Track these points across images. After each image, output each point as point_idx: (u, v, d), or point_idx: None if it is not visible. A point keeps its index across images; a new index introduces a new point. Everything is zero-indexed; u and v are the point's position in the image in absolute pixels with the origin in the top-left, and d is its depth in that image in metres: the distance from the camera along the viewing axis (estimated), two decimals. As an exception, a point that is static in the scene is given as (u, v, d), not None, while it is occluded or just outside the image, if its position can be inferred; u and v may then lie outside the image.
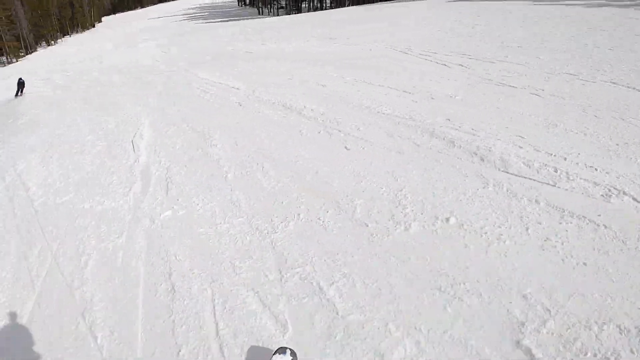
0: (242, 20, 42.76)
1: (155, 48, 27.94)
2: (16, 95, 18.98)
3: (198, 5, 72.91)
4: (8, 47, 45.34)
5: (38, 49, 52.18)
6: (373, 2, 47.88)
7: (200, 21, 47.53)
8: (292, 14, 50.25)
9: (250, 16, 49.91)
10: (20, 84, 19.20)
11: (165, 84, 13.78)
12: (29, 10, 48.72)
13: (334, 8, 49.89)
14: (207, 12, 60.18)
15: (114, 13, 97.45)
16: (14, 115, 14.64)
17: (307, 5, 51.26)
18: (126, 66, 20.46)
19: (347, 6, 48.81)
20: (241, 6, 66.20)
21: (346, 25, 22.15)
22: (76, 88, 16.88)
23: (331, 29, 21.56)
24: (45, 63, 35.53)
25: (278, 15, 51.06)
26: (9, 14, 43.82)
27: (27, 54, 49.33)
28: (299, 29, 24.60)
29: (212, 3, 76.31)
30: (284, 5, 54.28)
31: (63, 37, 59.16)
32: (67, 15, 57.93)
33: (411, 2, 32.72)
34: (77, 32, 62.35)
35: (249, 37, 23.46)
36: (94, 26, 66.78)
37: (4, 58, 47.77)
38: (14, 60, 46.89)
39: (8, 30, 43.89)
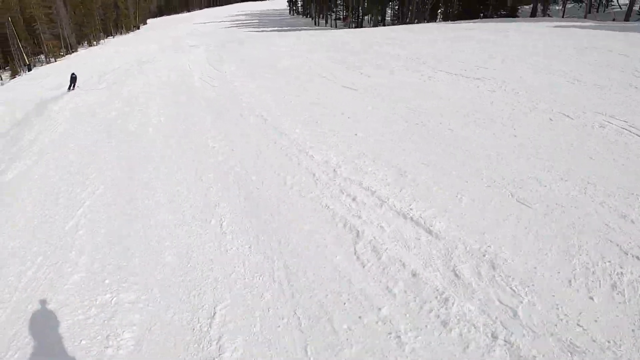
0: (299, 31, 37.71)
1: (203, 54, 22.99)
2: (69, 89, 19.62)
3: (247, 12, 69.20)
4: (47, 46, 42.27)
5: (79, 49, 49.32)
6: (434, 20, 42.07)
7: (251, 29, 42.98)
8: (351, 27, 44.97)
9: (307, 27, 44.94)
10: (73, 79, 19.99)
11: (240, 168, 7.05)
12: (72, 9, 45.74)
13: (397, 24, 44.28)
14: (256, 19, 55.97)
15: (160, 15, 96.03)
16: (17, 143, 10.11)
17: (370, 19, 45.77)
18: (167, 91, 15.38)
19: (413, 23, 43.06)
20: (293, 15, 61.78)
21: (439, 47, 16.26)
22: (94, 137, 11.83)
23: (438, 51, 15.77)
24: (82, 67, 31.54)
25: (336, 27, 45.89)
26: (50, 12, 40.70)
27: (67, 54, 46.42)
28: (379, 48, 18.92)
29: (260, 11, 72.50)
30: (341, 17, 49.16)
31: (106, 37, 56.46)
32: (111, 16, 55.10)
33: (502, 23, 26.55)
34: (120, 33, 59.62)
35: (319, 55, 18.08)
36: (138, 28, 64.09)
37: (42, 57, 44.98)
38: (52, 60, 43.93)
39: (48, 28, 40.75)
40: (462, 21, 32.88)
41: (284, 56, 18.97)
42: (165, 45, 35.54)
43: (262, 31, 40.12)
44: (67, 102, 15.71)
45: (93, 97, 16.23)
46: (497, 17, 36.81)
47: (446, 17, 41.70)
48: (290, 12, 64.03)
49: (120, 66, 25.53)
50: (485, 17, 38.66)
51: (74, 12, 46.69)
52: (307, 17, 56.45)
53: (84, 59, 38.31)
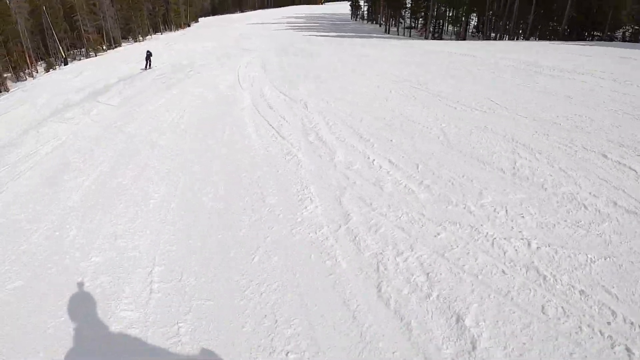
0: (372, 39, 31.16)
1: (259, 62, 16.94)
2: (145, 68, 19.90)
3: (303, 15, 63.68)
4: (87, 39, 38.31)
5: (123, 44, 45.49)
6: (525, 37, 33.88)
7: (313, 33, 36.88)
8: (429, 38, 37.90)
9: (376, 34, 38.36)
10: (148, 57, 20.33)
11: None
12: (117, 1, 41.69)
13: (481, 39, 36.72)
14: (316, 22, 50.09)
15: (213, 14, 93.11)
16: None
17: (453, 30, 38.49)
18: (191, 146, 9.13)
19: (497, 39, 35.32)
20: (356, 20, 55.51)
21: None
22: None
23: None
24: (111, 66, 26.62)
25: (410, 36, 38.97)
26: (93, 2, 36.60)
27: (109, 49, 42.55)
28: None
29: (318, 14, 66.77)
30: (414, 26, 42.11)
31: (154, 33, 52.68)
32: (160, 11, 51.10)
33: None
34: (170, 29, 55.75)
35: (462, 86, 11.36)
36: (189, 25, 60.15)
37: (82, 51, 41.25)
38: (93, 54, 40.06)
39: (89, 20, 36.70)
40: (575, 42, 24.80)
41: (387, 80, 12.26)
42: (216, 46, 30.08)
43: (325, 36, 33.89)
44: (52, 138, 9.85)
45: (90, 127, 10.30)
46: (614, 41, 28.39)
47: (543, 35, 33.45)
48: (352, 17, 57.76)
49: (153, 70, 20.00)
50: (594, 38, 30.26)
51: (120, 6, 42.68)
52: (373, 23, 49.97)
53: (121, 56, 33.82)
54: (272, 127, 8.13)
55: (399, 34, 40.96)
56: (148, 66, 20.17)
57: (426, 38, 37.30)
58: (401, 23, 43.02)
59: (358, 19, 55.56)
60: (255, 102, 10.50)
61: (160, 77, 17.49)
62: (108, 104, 12.94)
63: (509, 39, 33.69)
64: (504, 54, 16.48)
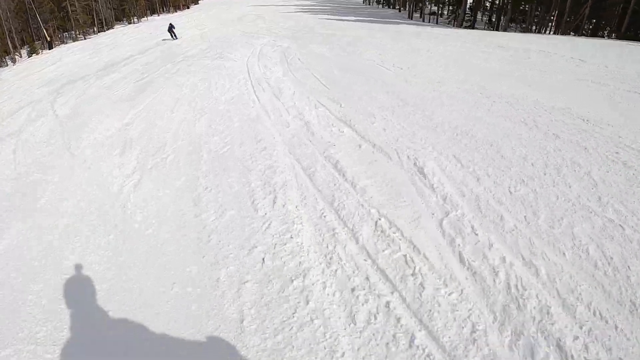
0: (403, 25, 27.28)
1: (275, 54, 13.34)
2: (173, 39, 21.23)
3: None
4: (75, 20, 34.26)
5: (116, 27, 41.44)
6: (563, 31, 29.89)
7: (329, 17, 32.85)
8: (455, 27, 33.96)
9: (400, 20, 34.34)
10: (171, 29, 21.54)
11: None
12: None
13: (517, 31, 32.75)
14: (326, 5, 45.80)
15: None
16: None
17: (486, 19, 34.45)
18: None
19: (538, 32, 31.41)
20: (370, 4, 51.10)
21: None
22: None
23: None
24: (96, 52, 22.87)
25: (437, 24, 34.96)
26: (80, -23, 32.53)
27: (100, 32, 38.52)
28: None
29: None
30: (438, 13, 37.98)
31: (151, 15, 48.53)
32: (158, -10, 46.81)
33: None
34: (167, 11, 51.49)
35: None
36: (188, 7, 55.74)
37: (72, 33, 37.20)
38: (81, 37, 36.08)
39: (77, 0, 32.63)
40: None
41: (517, 108, 8.55)
42: (217, 28, 26.20)
43: (344, 20, 29.92)
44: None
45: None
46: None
47: (595, 32, 29.17)
48: (364, 1, 53.31)
49: (126, 59, 16.26)
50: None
51: (114, -17, 38.45)
52: (390, 7, 45.72)
53: (112, 40, 29.94)
54: (389, 281, 3.26)
55: (424, 20, 36.93)
56: (174, 37, 21.26)
57: (458, 27, 33.33)
58: (422, 9, 38.90)
59: (373, 3, 51.14)
60: (295, 148, 5.64)
61: (142, 67, 13.85)
62: (57, 113, 9.29)
63: (554, 33, 29.64)
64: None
